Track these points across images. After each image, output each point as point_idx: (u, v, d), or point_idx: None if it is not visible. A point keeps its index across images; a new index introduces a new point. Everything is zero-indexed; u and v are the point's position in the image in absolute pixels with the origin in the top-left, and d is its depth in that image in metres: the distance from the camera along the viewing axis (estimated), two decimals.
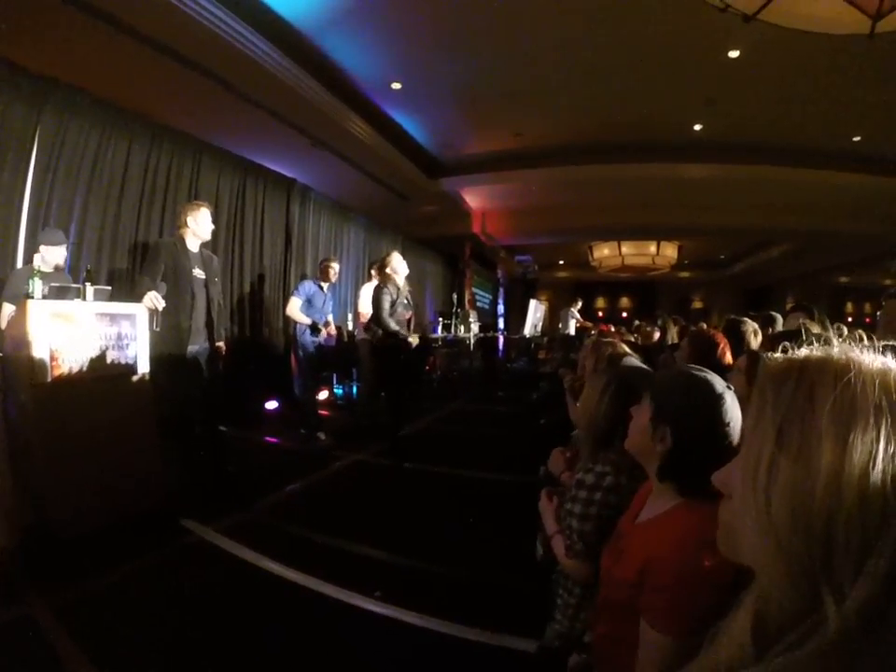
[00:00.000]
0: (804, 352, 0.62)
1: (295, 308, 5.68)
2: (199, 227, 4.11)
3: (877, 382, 0.54)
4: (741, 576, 0.69)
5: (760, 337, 3.20)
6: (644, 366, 2.17)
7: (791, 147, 8.46)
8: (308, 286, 5.82)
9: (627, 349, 2.60)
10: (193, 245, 4.11)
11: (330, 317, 6.04)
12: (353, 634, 2.44)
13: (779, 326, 3.79)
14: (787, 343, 0.65)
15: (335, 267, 5.95)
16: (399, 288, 5.06)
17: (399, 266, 5.12)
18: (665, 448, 1.22)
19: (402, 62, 6.32)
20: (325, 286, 5.90)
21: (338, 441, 5.55)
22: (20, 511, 2.98)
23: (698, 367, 1.33)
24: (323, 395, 7.66)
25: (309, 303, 5.73)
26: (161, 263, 3.89)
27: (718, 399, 1.21)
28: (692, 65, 6.19)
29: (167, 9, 4.32)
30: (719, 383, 1.24)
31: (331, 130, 7.08)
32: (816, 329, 2.00)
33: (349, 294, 9.38)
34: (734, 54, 5.91)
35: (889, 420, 0.52)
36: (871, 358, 0.57)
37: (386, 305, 4.93)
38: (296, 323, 5.75)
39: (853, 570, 0.50)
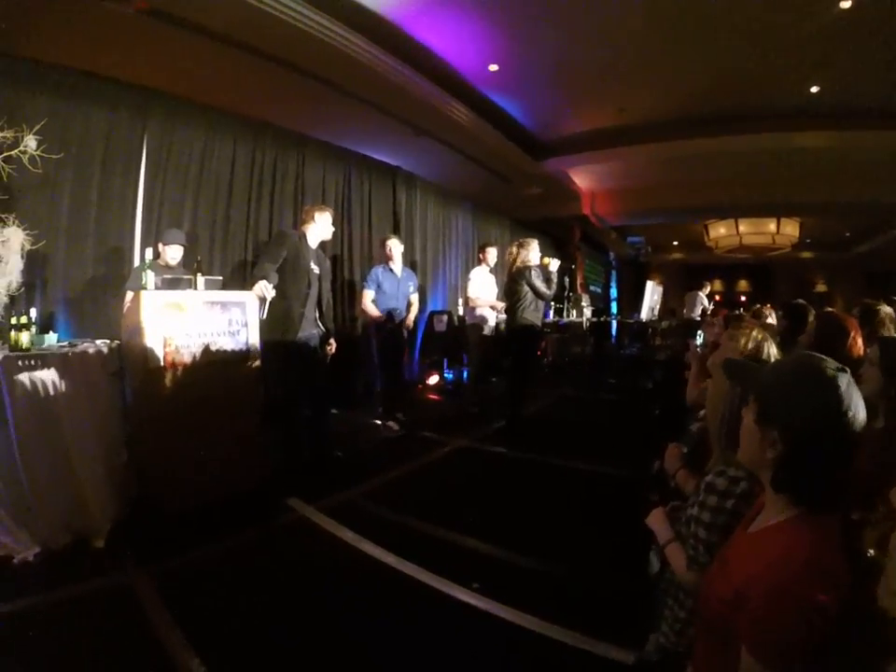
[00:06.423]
0: None
1: (367, 300, 5.61)
2: (322, 227, 4.43)
3: None
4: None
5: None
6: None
7: None
8: (376, 272, 5.67)
9: (770, 337, 2.11)
10: (313, 241, 4.40)
11: (413, 298, 5.87)
12: (446, 624, 2.42)
13: None
14: None
15: (390, 245, 5.70)
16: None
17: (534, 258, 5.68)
18: (776, 454, 1.04)
19: (498, 43, 6.13)
20: (394, 267, 5.72)
21: (408, 430, 5.49)
22: (130, 485, 3.25)
23: (808, 353, 1.12)
24: (433, 380, 7.76)
25: (380, 290, 5.61)
26: (285, 250, 4.15)
27: (830, 384, 0.99)
28: (801, 20, 5.50)
29: (262, 17, 4.44)
30: (830, 364, 1.02)
31: (432, 117, 7.05)
32: None
33: (458, 279, 9.41)
34: (845, 4, 5.15)
35: None
36: None
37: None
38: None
39: None
